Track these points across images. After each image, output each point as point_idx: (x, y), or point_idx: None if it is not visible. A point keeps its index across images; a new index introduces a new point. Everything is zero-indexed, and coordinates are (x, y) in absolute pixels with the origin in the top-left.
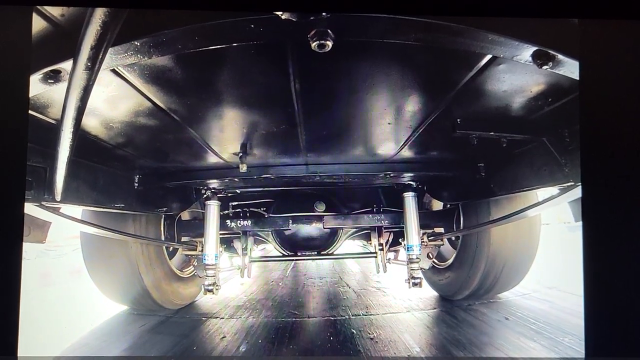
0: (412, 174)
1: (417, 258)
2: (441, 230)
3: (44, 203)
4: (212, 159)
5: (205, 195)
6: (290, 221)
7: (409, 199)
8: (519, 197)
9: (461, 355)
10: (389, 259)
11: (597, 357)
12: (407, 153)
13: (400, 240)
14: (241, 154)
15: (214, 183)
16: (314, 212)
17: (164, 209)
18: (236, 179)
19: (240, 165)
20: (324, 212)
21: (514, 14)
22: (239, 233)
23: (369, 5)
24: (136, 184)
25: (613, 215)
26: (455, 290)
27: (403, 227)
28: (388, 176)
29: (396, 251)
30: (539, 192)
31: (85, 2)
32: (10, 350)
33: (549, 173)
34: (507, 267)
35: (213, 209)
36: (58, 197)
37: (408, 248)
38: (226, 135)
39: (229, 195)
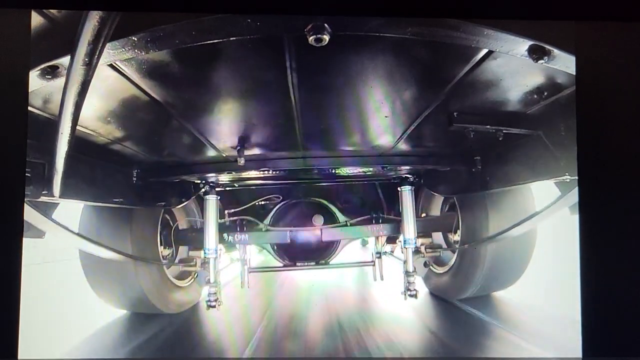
0: (409, 167)
1: (415, 248)
2: (439, 234)
3: (43, 199)
4: (210, 153)
5: (203, 190)
6: (288, 234)
7: (406, 192)
8: (518, 201)
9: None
10: (386, 252)
11: (594, 357)
12: (404, 146)
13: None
14: (239, 148)
15: (212, 177)
16: (312, 225)
17: (163, 203)
18: (234, 173)
19: (238, 159)
20: (323, 224)
21: (511, 17)
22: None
23: (364, 7)
24: (134, 179)
25: (610, 210)
26: (455, 292)
27: (400, 234)
28: (385, 169)
29: (393, 243)
30: (535, 195)
31: (83, 5)
32: (10, 352)
33: (544, 166)
34: (505, 266)
35: (212, 202)
36: (57, 193)
37: (405, 241)
38: (224, 130)
39: (227, 200)
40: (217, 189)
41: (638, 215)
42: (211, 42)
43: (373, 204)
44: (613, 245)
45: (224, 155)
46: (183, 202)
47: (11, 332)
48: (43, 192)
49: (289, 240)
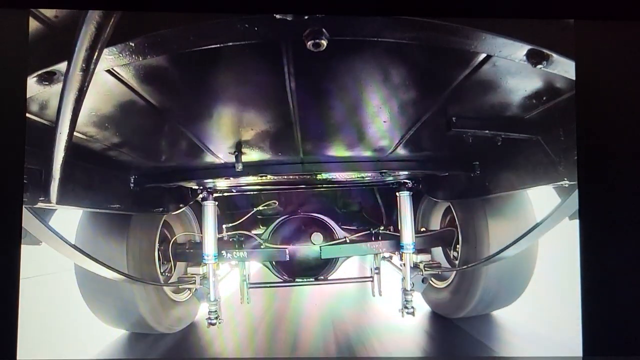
0: (407, 172)
1: (414, 264)
2: (438, 250)
3: (40, 205)
4: (207, 159)
5: (201, 196)
6: (287, 252)
7: (404, 197)
8: (518, 211)
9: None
10: (384, 257)
11: (595, 355)
12: (402, 151)
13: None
14: (237, 154)
15: (209, 183)
16: (310, 243)
17: (160, 209)
18: (232, 179)
19: (236, 165)
20: (321, 242)
21: (509, 16)
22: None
23: (363, 7)
24: (132, 185)
25: (609, 213)
26: (454, 309)
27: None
28: (383, 174)
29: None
30: (533, 201)
31: (81, 4)
32: (9, 354)
33: (543, 171)
34: (506, 282)
35: (210, 208)
36: (54, 200)
37: (402, 246)
38: (222, 135)
39: (225, 205)
40: (215, 195)
41: (637, 217)
42: (209, 47)
43: (372, 209)
44: (613, 246)
45: (222, 160)
46: (181, 207)
47: (10, 336)
48: (40, 199)
49: (287, 258)
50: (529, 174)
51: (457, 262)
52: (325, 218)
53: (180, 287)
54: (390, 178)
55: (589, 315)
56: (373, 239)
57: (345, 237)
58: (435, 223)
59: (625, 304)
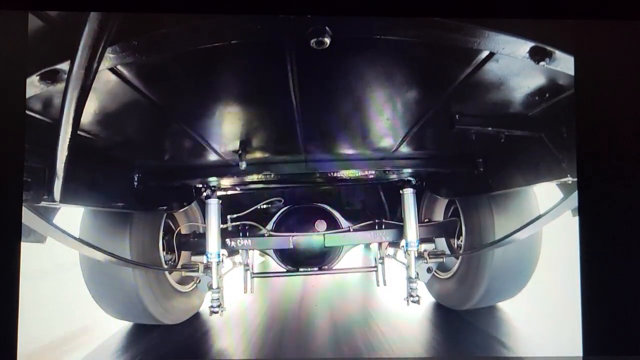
0: (411, 170)
1: (418, 253)
2: (442, 239)
3: (43, 203)
4: (211, 157)
5: (205, 194)
6: (291, 240)
7: (408, 195)
8: (522, 204)
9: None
10: (388, 254)
11: (595, 355)
12: (405, 149)
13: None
14: (240, 152)
15: (213, 181)
16: (314, 231)
17: (164, 207)
18: (235, 177)
19: (239, 163)
20: (325, 230)
21: (510, 16)
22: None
23: (366, 8)
24: (136, 183)
25: (609, 210)
26: (460, 301)
27: (403, 239)
28: (387, 172)
29: (396, 247)
30: (538, 197)
31: (84, 6)
32: (9, 355)
33: (546, 168)
34: (511, 272)
35: (213, 207)
36: (57, 198)
37: (407, 244)
38: (225, 134)
39: (229, 203)
40: (218, 193)
41: (637, 215)
42: (212, 45)
43: (375, 207)
44: (613, 244)
45: (226, 159)
46: (184, 206)
47: (10, 334)
48: (44, 197)
49: (291, 246)
50: (532, 170)
51: (461, 252)
52: (329, 208)
53: (184, 274)
54: (394, 176)
55: (589, 314)
56: (377, 227)
57: (349, 227)
58: (439, 214)
59: (625, 302)
